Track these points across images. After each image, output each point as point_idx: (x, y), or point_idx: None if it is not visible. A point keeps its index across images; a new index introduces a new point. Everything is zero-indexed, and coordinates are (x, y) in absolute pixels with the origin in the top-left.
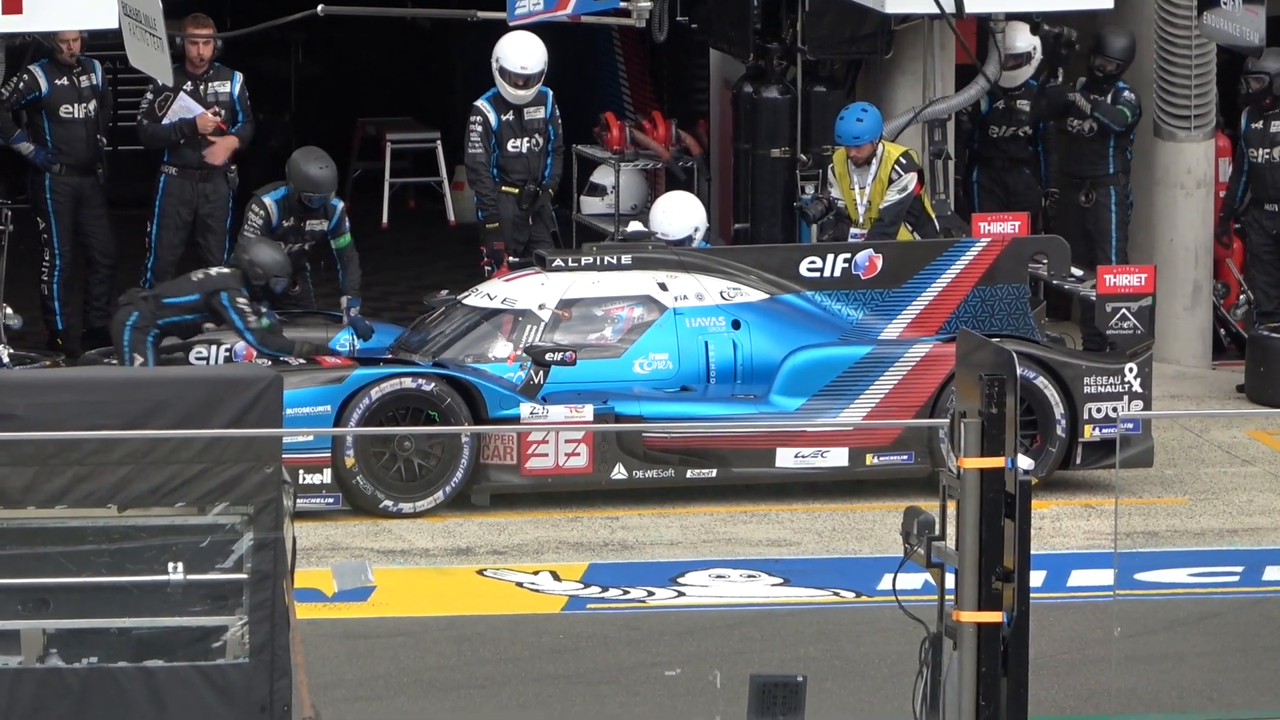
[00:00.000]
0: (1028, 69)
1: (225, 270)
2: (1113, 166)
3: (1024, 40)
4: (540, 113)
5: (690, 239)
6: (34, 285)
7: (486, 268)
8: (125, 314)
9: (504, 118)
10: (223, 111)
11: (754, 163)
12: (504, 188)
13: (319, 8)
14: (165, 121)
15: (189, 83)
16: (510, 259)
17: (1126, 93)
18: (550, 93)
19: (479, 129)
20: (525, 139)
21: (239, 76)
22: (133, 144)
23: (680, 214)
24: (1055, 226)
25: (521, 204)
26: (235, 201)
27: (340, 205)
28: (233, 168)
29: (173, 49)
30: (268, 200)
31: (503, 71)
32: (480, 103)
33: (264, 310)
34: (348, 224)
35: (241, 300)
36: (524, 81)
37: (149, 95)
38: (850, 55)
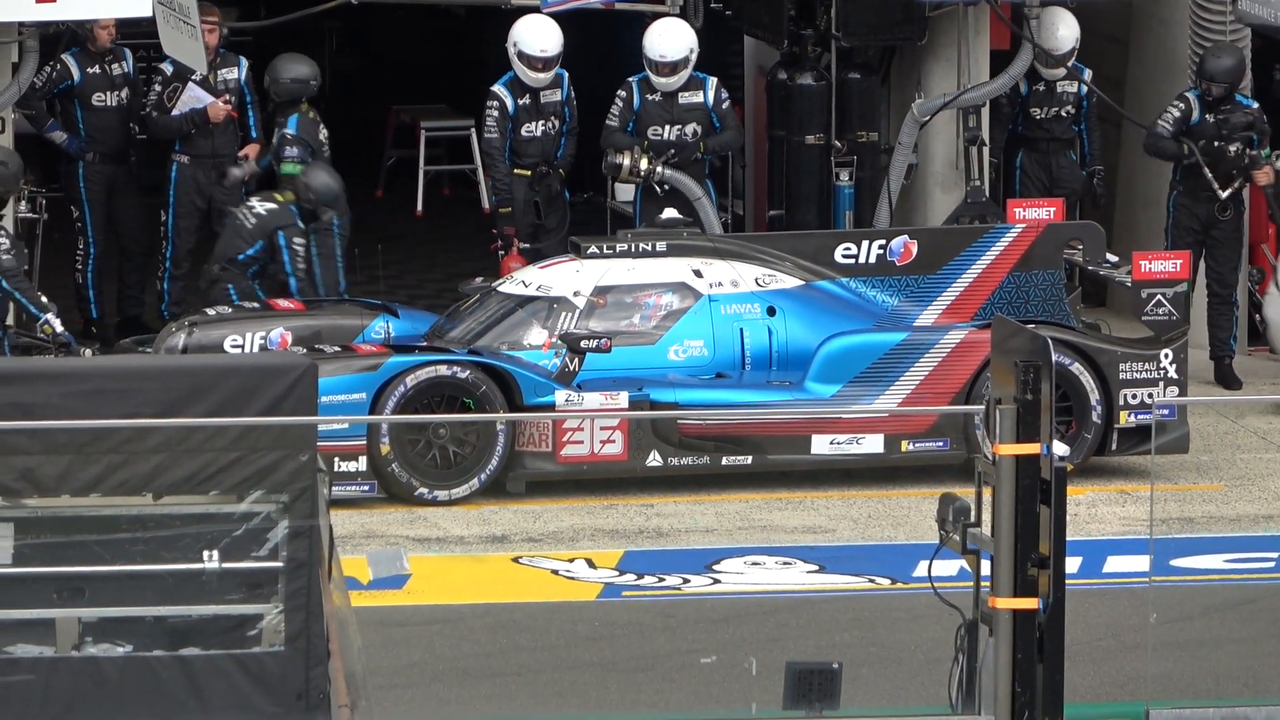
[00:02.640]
0: (1070, 59)
1: (273, 205)
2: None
3: (1065, 31)
4: (557, 95)
5: (687, 60)
6: (68, 274)
7: (499, 251)
8: (221, 291)
9: (521, 101)
10: (233, 98)
11: (788, 149)
12: (516, 170)
13: None
14: (175, 112)
15: (197, 71)
16: (520, 244)
17: (1264, 116)
18: (566, 74)
19: (495, 114)
20: (542, 122)
21: (244, 61)
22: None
23: (676, 36)
24: (1105, 212)
25: (534, 186)
26: (249, 188)
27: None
28: (243, 153)
29: None
30: (499, 89)
31: (521, 55)
32: (497, 87)
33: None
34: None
35: (298, 241)
36: (543, 65)
37: (157, 86)
38: (885, 41)
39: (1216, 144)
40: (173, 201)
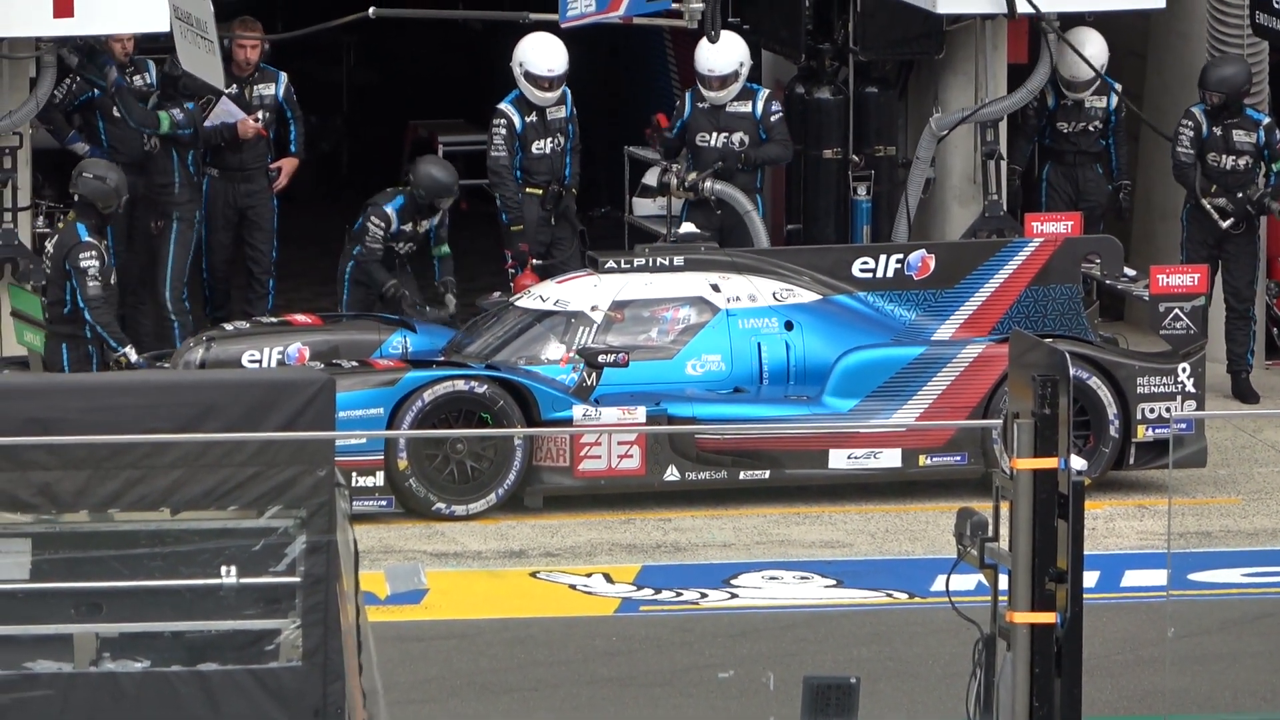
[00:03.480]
0: (1094, 80)
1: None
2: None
3: (1092, 47)
4: (561, 112)
5: (737, 74)
6: None
7: (511, 270)
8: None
9: (528, 119)
10: (266, 115)
11: (806, 164)
12: (528, 189)
13: (370, 10)
14: (206, 124)
15: (234, 85)
16: (534, 261)
17: (1277, 131)
18: (569, 91)
19: (503, 132)
20: (549, 139)
21: (284, 77)
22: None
23: (725, 50)
24: (1129, 221)
25: (545, 204)
26: (279, 200)
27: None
28: (273, 165)
29: (221, 50)
30: (389, 210)
31: (528, 75)
32: (504, 105)
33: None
34: (447, 229)
35: (87, 260)
36: (550, 84)
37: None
38: (902, 56)
39: (1224, 160)
40: (204, 214)
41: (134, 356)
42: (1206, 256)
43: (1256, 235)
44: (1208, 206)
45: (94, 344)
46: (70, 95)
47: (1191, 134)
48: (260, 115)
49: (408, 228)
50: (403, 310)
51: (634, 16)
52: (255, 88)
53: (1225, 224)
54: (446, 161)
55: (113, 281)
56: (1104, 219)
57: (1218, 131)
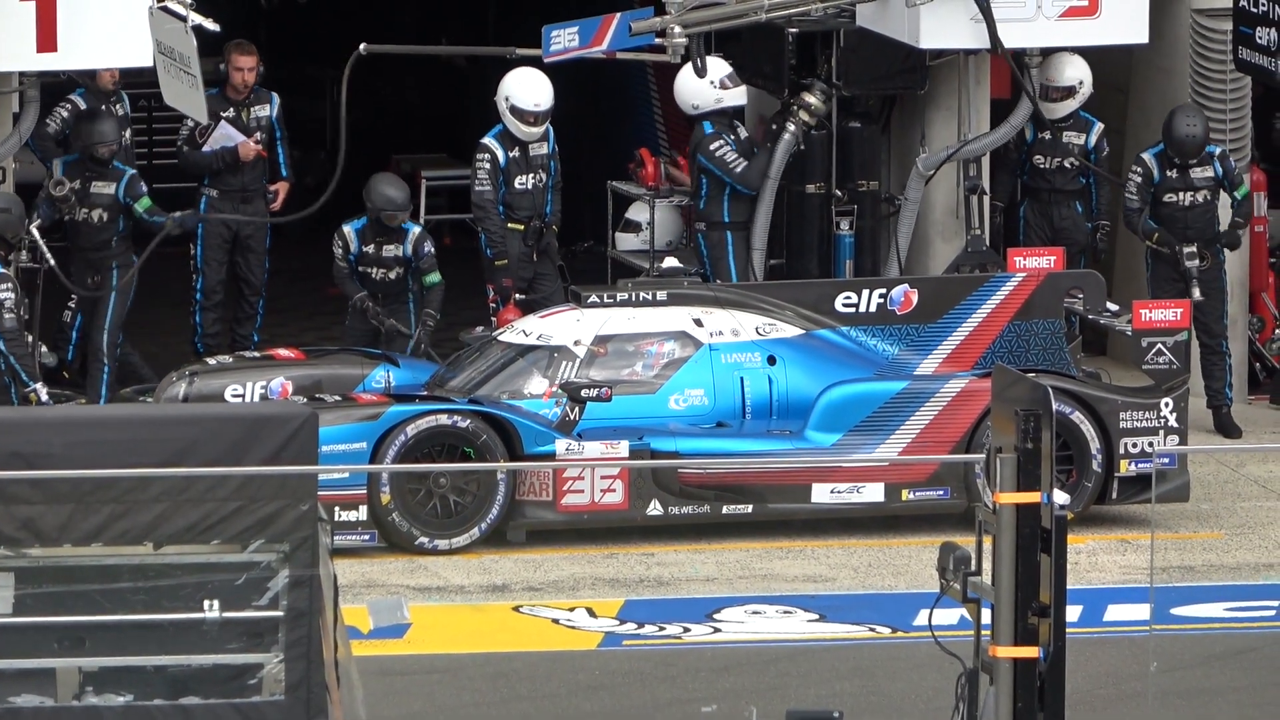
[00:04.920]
0: (1073, 101)
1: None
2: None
3: (1071, 71)
4: (544, 148)
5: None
6: (51, 315)
7: (493, 305)
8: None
9: (511, 154)
10: (264, 136)
11: (789, 198)
12: (510, 224)
13: (361, 47)
14: (206, 149)
15: (230, 109)
16: (517, 296)
17: (1231, 159)
18: (551, 128)
19: (487, 166)
20: (531, 175)
21: (276, 98)
22: (164, 180)
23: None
24: (1106, 260)
25: (527, 240)
26: (272, 225)
27: (414, 229)
28: (272, 188)
29: (215, 73)
30: (347, 229)
31: (514, 110)
32: (488, 140)
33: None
34: (432, 257)
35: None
36: (535, 119)
37: (189, 122)
38: (885, 90)
39: (1182, 196)
40: (201, 235)
41: (44, 395)
42: (1174, 294)
43: (1222, 270)
44: (1151, 246)
45: (8, 375)
46: (62, 122)
47: (1140, 180)
48: (259, 136)
49: (370, 250)
50: (370, 321)
51: (617, 51)
52: (251, 109)
53: (1193, 264)
54: (398, 178)
55: (23, 315)
56: (1082, 258)
57: (1172, 174)
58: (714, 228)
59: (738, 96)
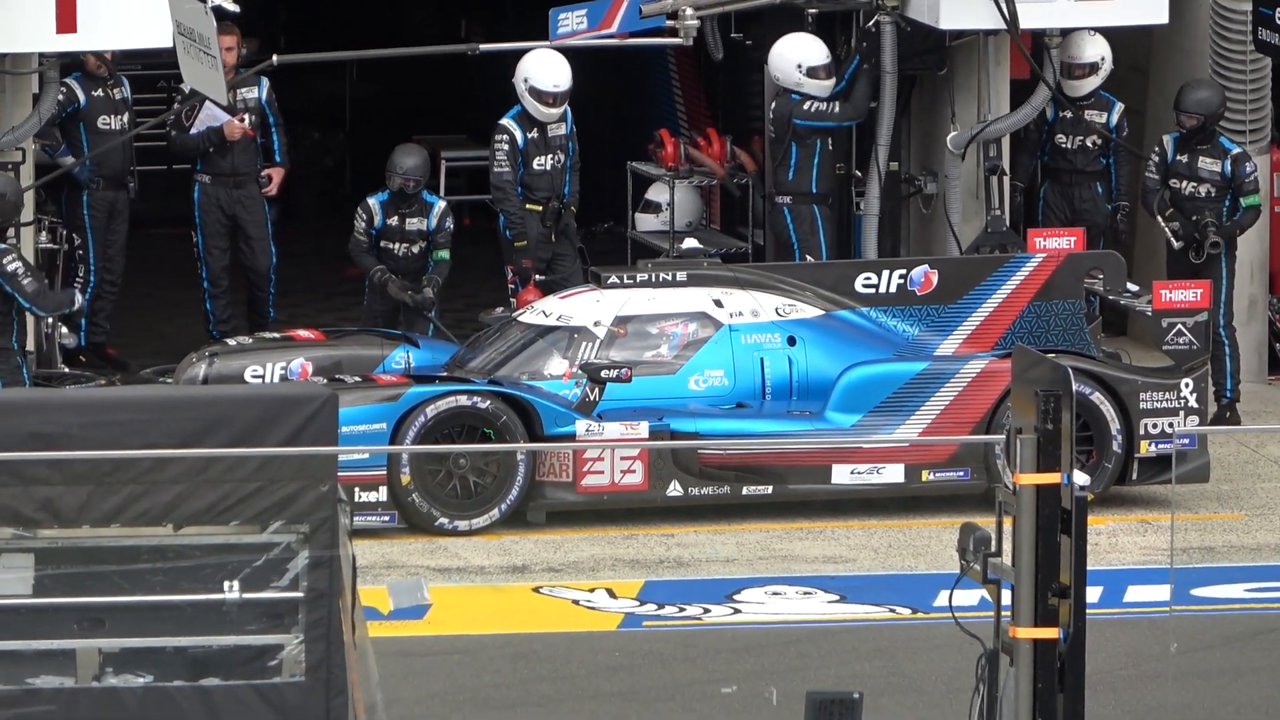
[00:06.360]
0: (1095, 79)
1: None
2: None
3: (1091, 49)
4: (563, 129)
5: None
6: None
7: (512, 286)
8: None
9: (530, 135)
10: (252, 117)
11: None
12: (528, 205)
13: (274, 58)
14: (193, 131)
15: None
16: (537, 277)
17: (1247, 165)
18: (569, 109)
19: (505, 147)
20: (550, 156)
21: (265, 81)
22: (156, 162)
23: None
24: (1126, 241)
25: (545, 221)
26: (271, 206)
27: (440, 204)
28: (264, 173)
29: None
30: (371, 201)
31: (533, 90)
32: (506, 121)
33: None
34: (449, 235)
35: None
36: (554, 99)
37: (176, 105)
38: (905, 71)
39: (1184, 185)
40: (199, 222)
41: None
42: (1187, 275)
43: (1221, 263)
44: (1163, 225)
45: (21, 355)
46: (59, 106)
47: (1157, 159)
48: (250, 118)
49: (394, 222)
50: (390, 293)
51: (628, 34)
52: (239, 90)
53: (1177, 245)
54: (419, 147)
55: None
56: (1101, 239)
57: (1183, 159)
58: (801, 200)
59: (819, 89)
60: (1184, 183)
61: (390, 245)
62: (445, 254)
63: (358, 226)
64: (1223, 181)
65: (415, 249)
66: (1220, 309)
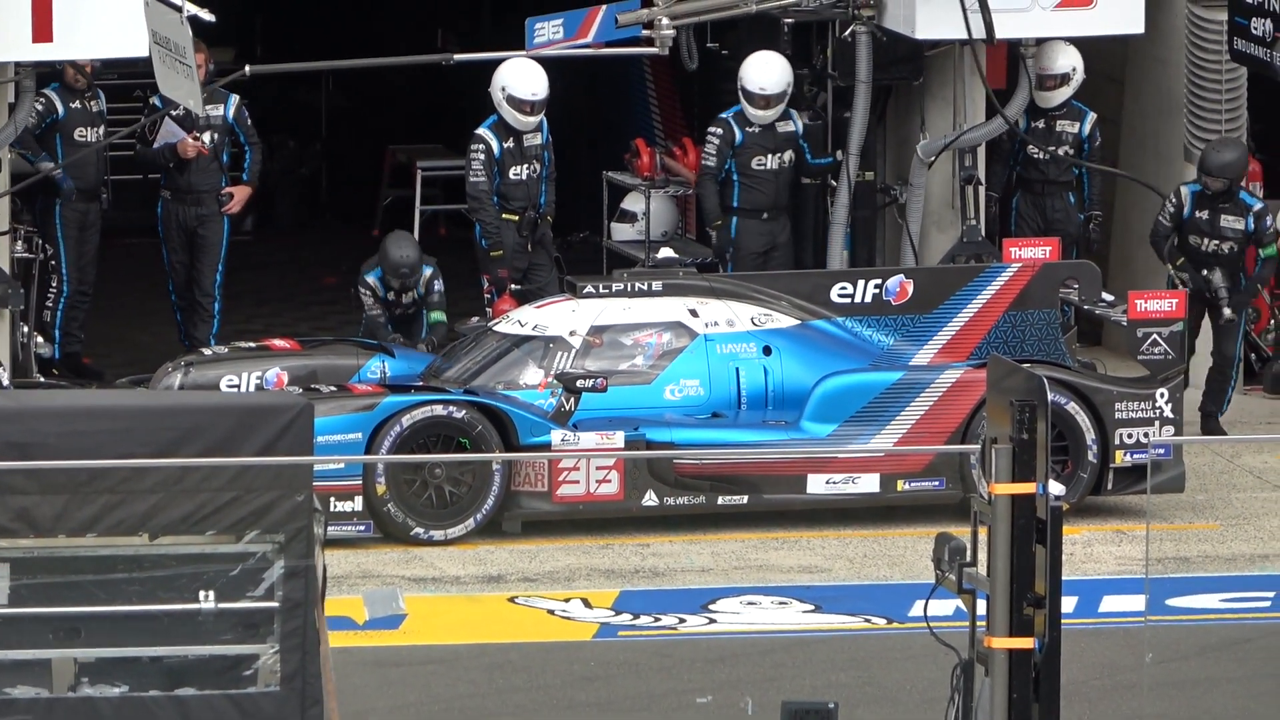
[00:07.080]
0: (1067, 89)
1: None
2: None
3: (1063, 60)
4: (539, 138)
5: (785, 94)
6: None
7: (488, 295)
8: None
9: (506, 145)
10: (216, 136)
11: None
12: (504, 215)
13: (246, 68)
14: (155, 145)
15: (180, 106)
16: (512, 286)
17: (1268, 219)
18: (544, 119)
19: (481, 157)
20: (525, 165)
21: (234, 98)
22: (131, 172)
23: (775, 69)
24: (1100, 251)
25: (522, 231)
26: (242, 220)
27: (428, 270)
28: (225, 190)
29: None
30: (371, 279)
31: (511, 99)
32: (482, 130)
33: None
34: (442, 296)
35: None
36: (532, 108)
37: (142, 118)
38: (881, 81)
39: (1205, 243)
40: (162, 237)
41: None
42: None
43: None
44: (1172, 274)
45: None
46: (38, 116)
47: (1173, 210)
48: (211, 136)
49: (392, 296)
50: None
51: (603, 44)
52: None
53: (1222, 285)
54: (406, 235)
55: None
56: (1074, 249)
57: (1203, 215)
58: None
59: (771, 117)
60: (1204, 240)
61: (392, 309)
62: (440, 315)
63: (366, 303)
64: (1244, 238)
65: (411, 310)
66: (1237, 346)
